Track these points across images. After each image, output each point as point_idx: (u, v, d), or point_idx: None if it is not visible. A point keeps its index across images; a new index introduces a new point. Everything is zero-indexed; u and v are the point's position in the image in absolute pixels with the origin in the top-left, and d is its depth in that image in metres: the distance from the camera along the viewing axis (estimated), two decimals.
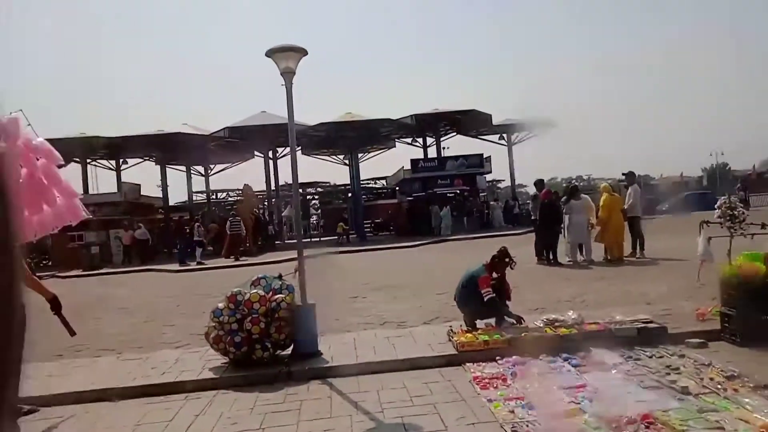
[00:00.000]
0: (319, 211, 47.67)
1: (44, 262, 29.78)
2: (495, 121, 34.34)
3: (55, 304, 5.40)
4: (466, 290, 6.78)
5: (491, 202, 35.44)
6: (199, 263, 21.73)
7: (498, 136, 37.67)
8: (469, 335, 6.08)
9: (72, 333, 5.63)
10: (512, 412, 4.22)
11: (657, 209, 30.04)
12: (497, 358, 5.62)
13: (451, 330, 6.40)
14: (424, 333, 6.86)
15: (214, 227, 25.44)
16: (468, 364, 5.57)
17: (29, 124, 5.40)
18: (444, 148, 37.56)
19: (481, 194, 36.52)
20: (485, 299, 6.49)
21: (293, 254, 20.12)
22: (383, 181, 47.34)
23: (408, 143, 37.69)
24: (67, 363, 6.98)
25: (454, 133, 37.60)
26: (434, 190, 32.46)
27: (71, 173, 34.70)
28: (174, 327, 8.95)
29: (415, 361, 5.78)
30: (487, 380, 5.00)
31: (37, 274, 23.23)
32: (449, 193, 33.46)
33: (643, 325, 6.06)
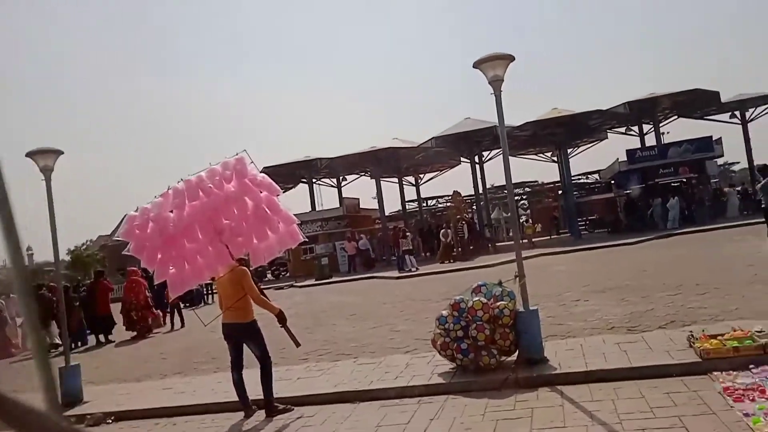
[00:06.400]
0: (528, 211, 46.78)
1: (283, 273, 33.55)
2: (724, 98, 30.59)
3: (281, 318, 6.10)
4: None
5: (726, 189, 31.58)
6: (410, 270, 22.63)
7: (729, 114, 33.48)
8: (714, 341, 5.51)
9: (297, 344, 6.26)
10: None
11: None
12: (750, 366, 5.02)
13: (692, 335, 5.86)
14: (659, 338, 6.37)
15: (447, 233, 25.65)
16: (715, 373, 5.05)
17: (252, 162, 6.11)
18: (664, 133, 34.46)
19: (712, 181, 32.74)
20: None
21: (504, 257, 20.15)
22: (596, 176, 44.86)
23: (622, 133, 35.24)
24: (312, 366, 7.77)
25: (675, 117, 34.27)
26: (656, 181, 29.86)
27: (300, 193, 38.67)
28: (400, 332, 9.45)
29: (652, 369, 5.41)
30: (741, 392, 4.49)
31: (278, 284, 26.12)
32: (674, 182, 30.49)
33: None
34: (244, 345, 6.19)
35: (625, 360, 5.77)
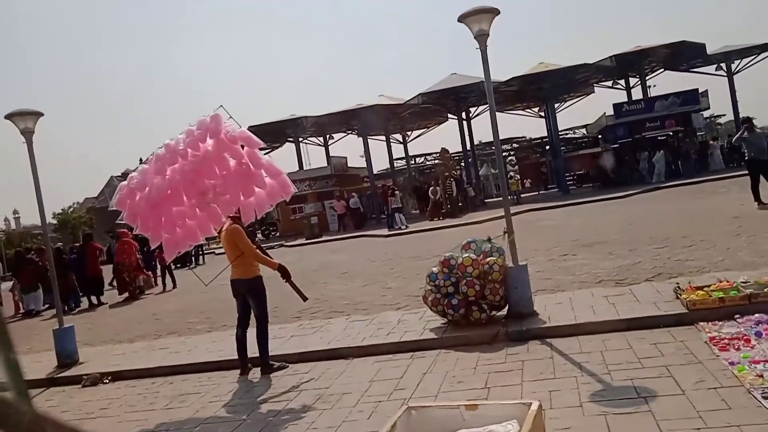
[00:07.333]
0: (516, 167, 46.84)
1: (273, 233, 33.59)
2: (710, 49, 30.46)
3: (284, 273, 6.10)
4: None
5: (710, 142, 31.74)
6: (399, 228, 22.74)
7: (715, 66, 33.39)
8: (700, 292, 5.62)
9: (304, 298, 6.30)
10: (761, 376, 3.85)
11: None
12: (736, 316, 5.14)
13: (678, 287, 5.97)
14: (646, 291, 6.49)
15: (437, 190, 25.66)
16: (701, 324, 5.17)
17: (230, 117, 5.98)
18: (650, 86, 34.37)
19: (698, 134, 32.85)
20: None
21: (493, 213, 20.24)
22: (583, 130, 44.88)
23: (609, 87, 35.11)
24: (305, 324, 7.85)
25: (662, 70, 34.14)
26: (642, 135, 29.89)
27: (287, 152, 38.46)
28: (391, 289, 9.55)
29: (639, 321, 5.51)
30: (726, 341, 4.60)
31: (268, 244, 26.11)
32: (660, 136, 30.54)
33: None
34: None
35: (613, 312, 5.88)
